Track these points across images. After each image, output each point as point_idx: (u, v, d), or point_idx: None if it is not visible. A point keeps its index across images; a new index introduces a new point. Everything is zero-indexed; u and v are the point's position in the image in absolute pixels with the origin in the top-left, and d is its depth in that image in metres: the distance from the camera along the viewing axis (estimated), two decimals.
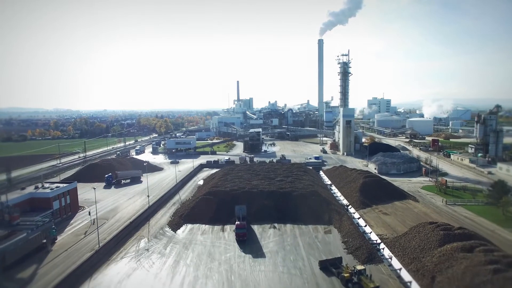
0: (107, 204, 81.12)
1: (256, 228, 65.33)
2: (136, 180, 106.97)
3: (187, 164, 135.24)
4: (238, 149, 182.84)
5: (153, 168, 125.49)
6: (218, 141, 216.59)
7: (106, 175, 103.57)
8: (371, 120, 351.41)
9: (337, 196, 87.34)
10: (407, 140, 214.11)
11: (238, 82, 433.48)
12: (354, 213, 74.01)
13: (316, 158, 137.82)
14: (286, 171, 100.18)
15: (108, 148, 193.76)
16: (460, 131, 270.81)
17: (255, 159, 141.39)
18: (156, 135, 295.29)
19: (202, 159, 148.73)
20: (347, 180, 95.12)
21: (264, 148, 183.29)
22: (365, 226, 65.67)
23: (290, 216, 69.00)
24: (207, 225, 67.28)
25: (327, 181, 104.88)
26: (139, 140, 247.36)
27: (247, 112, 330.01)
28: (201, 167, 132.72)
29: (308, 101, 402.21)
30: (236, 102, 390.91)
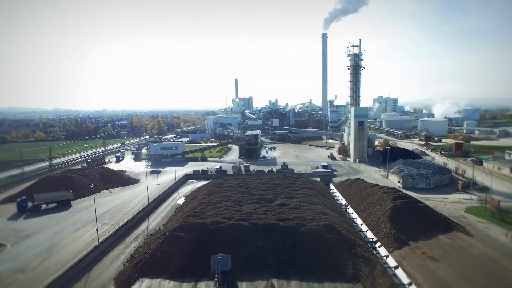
0: (41, 241, 58.68)
1: None
2: (64, 205, 79.99)
3: (171, 174, 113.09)
4: (234, 153, 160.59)
5: (126, 181, 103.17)
6: (213, 144, 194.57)
7: (19, 199, 77.36)
8: (377, 120, 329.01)
9: (357, 224, 65.17)
10: (423, 142, 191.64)
11: (236, 80, 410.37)
12: (387, 256, 51.65)
13: (324, 166, 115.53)
14: (288, 188, 77.89)
15: (88, 152, 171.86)
16: (477, 132, 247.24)
17: (252, 168, 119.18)
18: (147, 136, 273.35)
19: (190, 168, 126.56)
20: (369, 200, 72.73)
21: (263, 152, 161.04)
22: (410, 285, 43.42)
23: (296, 266, 46.72)
24: (172, 282, 45.05)
25: (341, 199, 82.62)
26: (126, 142, 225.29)
27: (245, 112, 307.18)
28: (186, 178, 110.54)
29: (310, 100, 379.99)
30: (234, 101, 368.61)
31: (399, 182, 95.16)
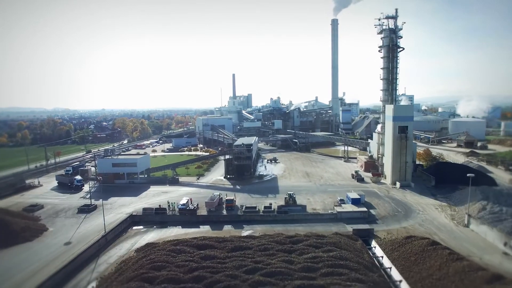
0: None
1: None
2: None
3: (113, 213, 70.31)
4: (220, 169, 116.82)
5: (15, 235, 58.76)
6: (207, 153, 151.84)
7: None
8: None
9: None
10: (466, 150, 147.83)
11: (233, 75, 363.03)
12: None
13: (355, 201, 71.83)
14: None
15: (27, 168, 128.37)
16: None
17: (239, 200, 76.08)
18: (125, 141, 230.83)
19: (147, 198, 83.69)
20: None
21: (259, 168, 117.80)
22: None
23: None
24: None
25: None
26: (93, 150, 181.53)
27: (243, 111, 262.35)
28: (129, 224, 67.34)
29: (316, 97, 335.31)
30: (230, 99, 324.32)
31: (505, 245, 51.33)
